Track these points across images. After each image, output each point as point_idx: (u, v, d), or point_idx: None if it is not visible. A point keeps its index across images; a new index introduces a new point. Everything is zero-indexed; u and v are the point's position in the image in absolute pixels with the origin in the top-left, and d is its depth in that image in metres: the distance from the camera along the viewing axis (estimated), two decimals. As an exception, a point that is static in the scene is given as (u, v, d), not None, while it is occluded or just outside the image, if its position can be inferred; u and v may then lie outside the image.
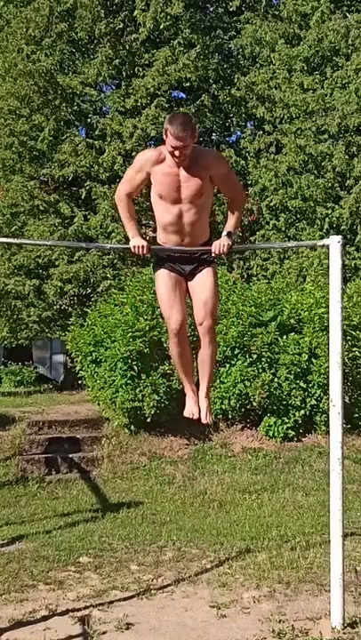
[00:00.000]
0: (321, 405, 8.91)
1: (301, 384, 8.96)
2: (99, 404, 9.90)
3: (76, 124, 13.87)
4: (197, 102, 13.27)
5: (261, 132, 13.96)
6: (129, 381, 8.81)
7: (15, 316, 13.00)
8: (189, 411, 4.35)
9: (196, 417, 4.32)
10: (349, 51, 12.97)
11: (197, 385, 4.42)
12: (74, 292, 12.54)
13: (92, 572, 4.93)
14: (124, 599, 4.39)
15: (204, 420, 4.34)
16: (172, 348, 4.33)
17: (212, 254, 4.05)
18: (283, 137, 13.27)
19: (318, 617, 4.00)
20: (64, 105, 13.27)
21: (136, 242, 4.03)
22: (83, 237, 12.35)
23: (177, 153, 3.77)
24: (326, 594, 4.16)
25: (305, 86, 12.98)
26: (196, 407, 4.32)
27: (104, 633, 3.85)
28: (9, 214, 12.72)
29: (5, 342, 14.67)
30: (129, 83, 13.37)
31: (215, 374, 8.96)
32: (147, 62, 13.27)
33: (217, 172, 3.97)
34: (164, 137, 3.81)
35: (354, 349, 9.05)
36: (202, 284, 4.08)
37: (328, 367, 4.13)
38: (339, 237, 4.06)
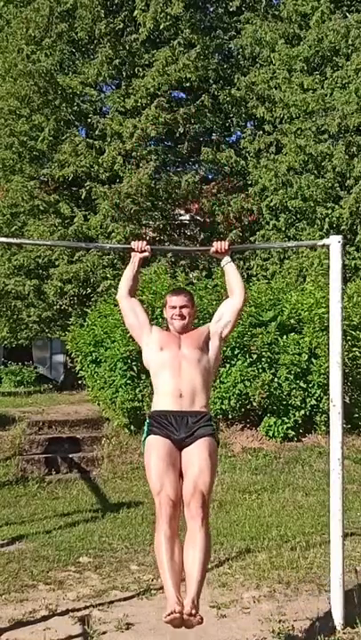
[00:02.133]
0: (321, 405, 8.91)
1: (301, 384, 8.96)
2: (99, 404, 9.90)
3: (76, 124, 13.87)
4: (197, 102, 13.27)
5: (261, 132, 13.96)
6: (129, 381, 8.81)
7: (15, 316, 13.01)
8: (171, 609, 3.09)
9: (178, 611, 3.08)
10: (349, 51, 12.98)
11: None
12: (74, 292, 12.54)
13: (92, 572, 4.93)
14: (124, 599, 4.39)
15: (187, 614, 3.10)
16: (157, 543, 3.30)
17: (212, 252, 4.05)
18: (283, 137, 13.28)
19: (318, 617, 4.00)
20: (64, 105, 13.28)
21: (136, 240, 4.07)
22: (83, 237, 12.36)
23: (176, 314, 3.82)
24: (326, 594, 4.16)
25: (305, 86, 12.99)
26: (177, 604, 3.11)
27: (104, 633, 3.84)
28: (9, 214, 12.73)
29: (5, 342, 14.67)
30: (129, 83, 13.37)
31: (215, 375, 8.97)
32: (147, 62, 13.27)
33: (214, 322, 3.89)
34: (165, 309, 3.92)
35: (354, 349, 9.05)
36: (195, 455, 3.46)
37: (328, 367, 4.13)
38: (339, 237, 4.06)
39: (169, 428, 3.53)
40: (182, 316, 3.83)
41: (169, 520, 3.31)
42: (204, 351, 3.73)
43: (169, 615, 3.11)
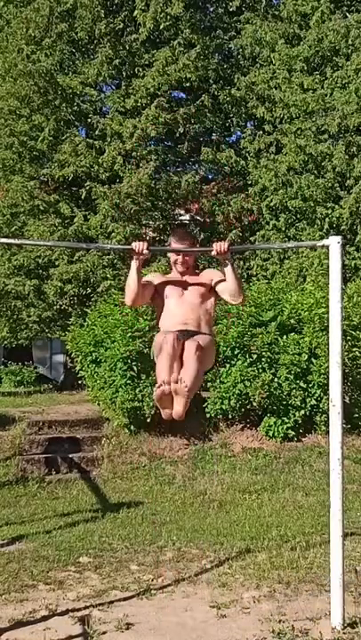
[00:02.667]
0: (321, 405, 8.91)
1: (301, 384, 8.96)
2: (99, 404, 9.90)
3: (76, 124, 13.86)
4: (197, 102, 13.26)
5: (261, 132, 13.96)
6: (129, 381, 8.81)
7: (15, 316, 13.00)
8: (160, 381, 3.78)
9: (167, 382, 3.78)
10: (349, 51, 12.98)
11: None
12: (74, 292, 12.54)
13: (92, 572, 4.93)
14: (124, 599, 4.39)
15: (174, 381, 3.75)
16: (157, 343, 3.91)
17: (213, 252, 4.06)
18: (283, 137, 13.28)
19: (318, 617, 4.00)
20: (64, 105, 13.27)
21: (137, 241, 4.10)
22: (83, 237, 12.35)
23: (180, 260, 4.18)
24: (326, 594, 4.16)
25: (305, 86, 12.98)
26: (167, 378, 3.79)
27: (104, 633, 3.84)
28: (9, 214, 12.72)
29: (5, 342, 14.67)
30: (129, 83, 13.37)
31: (215, 375, 8.97)
32: (147, 62, 13.27)
33: (218, 275, 4.19)
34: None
35: (354, 349, 9.05)
36: (195, 339, 3.93)
37: (328, 367, 4.13)
38: (339, 237, 4.06)
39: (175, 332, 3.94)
40: (185, 263, 4.19)
41: (169, 356, 3.75)
42: (204, 297, 4.13)
43: (159, 387, 3.68)
